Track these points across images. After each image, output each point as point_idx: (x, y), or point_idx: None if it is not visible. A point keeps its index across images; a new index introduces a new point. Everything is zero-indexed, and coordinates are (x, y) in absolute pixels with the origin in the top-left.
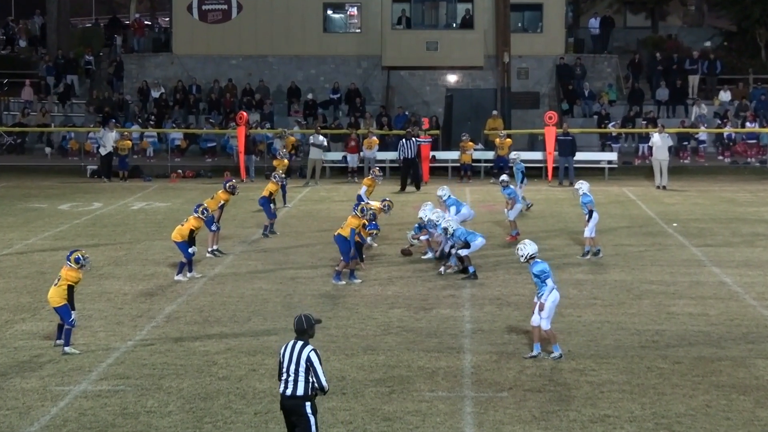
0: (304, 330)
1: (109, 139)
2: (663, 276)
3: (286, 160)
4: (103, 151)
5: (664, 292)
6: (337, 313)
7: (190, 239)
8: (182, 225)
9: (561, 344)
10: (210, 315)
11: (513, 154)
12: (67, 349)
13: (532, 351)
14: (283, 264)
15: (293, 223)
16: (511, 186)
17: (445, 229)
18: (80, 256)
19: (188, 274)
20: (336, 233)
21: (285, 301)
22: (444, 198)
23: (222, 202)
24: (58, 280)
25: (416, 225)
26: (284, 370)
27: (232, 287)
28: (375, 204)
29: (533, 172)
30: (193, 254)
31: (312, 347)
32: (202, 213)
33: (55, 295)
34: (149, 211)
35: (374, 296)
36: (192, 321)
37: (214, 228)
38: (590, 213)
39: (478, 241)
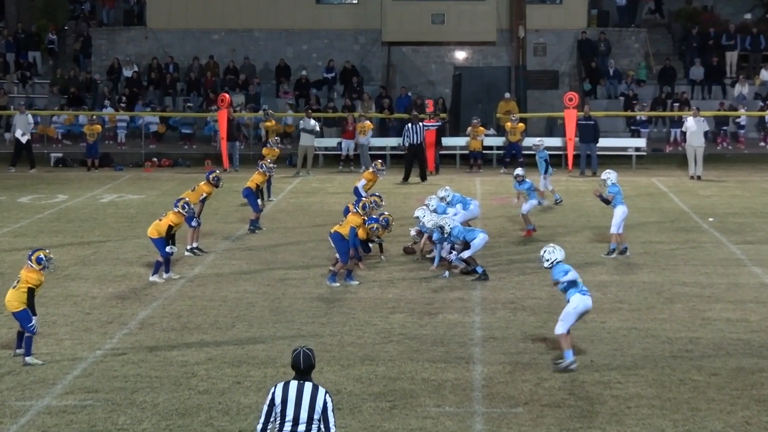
0: (311, 366)
1: (20, 122)
2: (697, 277)
3: (276, 149)
4: (18, 135)
5: (699, 295)
6: (331, 318)
7: (168, 236)
8: (160, 220)
9: (583, 354)
10: (189, 321)
11: (536, 140)
12: (28, 359)
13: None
14: (271, 263)
15: (282, 217)
16: (528, 180)
17: (441, 228)
18: (42, 256)
19: (165, 275)
20: (332, 230)
21: (273, 305)
22: (448, 198)
23: (204, 195)
24: (18, 282)
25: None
26: (289, 418)
27: (213, 290)
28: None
29: (552, 161)
30: (172, 253)
31: (325, 389)
32: (183, 208)
33: (14, 299)
34: (120, 205)
35: (373, 300)
36: (169, 328)
37: (194, 224)
38: (611, 203)
39: (479, 240)
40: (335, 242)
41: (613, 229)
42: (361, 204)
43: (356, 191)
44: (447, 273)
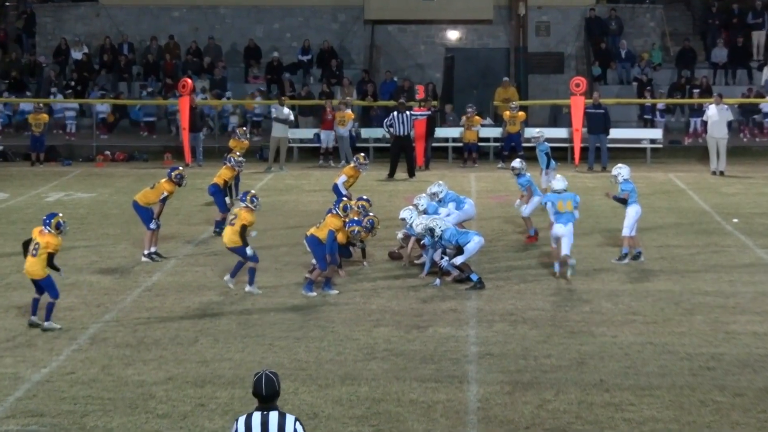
0: (276, 393)
1: None
2: (720, 285)
3: (245, 141)
4: None
5: (722, 305)
6: (307, 332)
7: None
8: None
9: (592, 371)
10: (146, 335)
11: (536, 131)
12: (47, 324)
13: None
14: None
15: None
16: (527, 174)
17: (431, 230)
18: (61, 221)
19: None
20: (308, 233)
21: (241, 318)
22: (440, 195)
23: (165, 194)
24: (36, 248)
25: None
26: None
27: (174, 300)
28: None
29: (557, 154)
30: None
31: (294, 416)
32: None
33: (37, 266)
34: (69, 204)
35: (355, 311)
36: (123, 343)
37: (153, 226)
38: (625, 202)
39: (473, 244)
40: (311, 246)
41: (625, 232)
42: (341, 205)
43: (336, 189)
44: (438, 281)
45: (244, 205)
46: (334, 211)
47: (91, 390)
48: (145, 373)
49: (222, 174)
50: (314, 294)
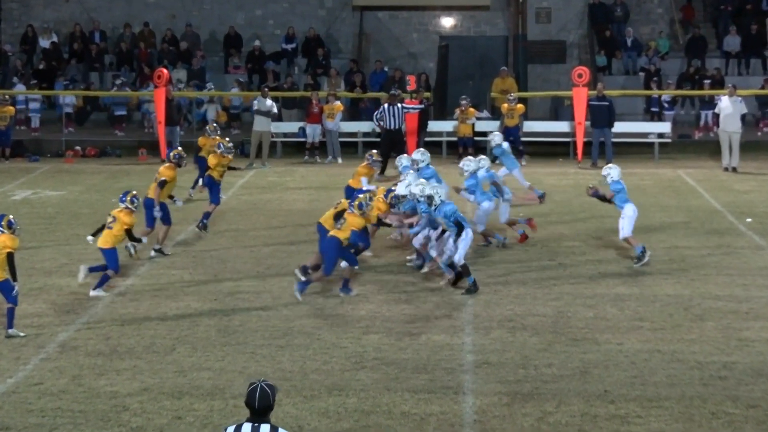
0: (270, 407)
1: None
2: (733, 289)
3: (216, 138)
4: None
5: (735, 311)
6: (292, 340)
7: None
8: (110, 228)
9: (596, 381)
10: (119, 343)
11: (495, 134)
12: (11, 331)
13: None
14: (219, 273)
15: (233, 218)
16: (479, 173)
17: (430, 197)
18: (12, 219)
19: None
20: (330, 234)
21: (221, 324)
22: (421, 164)
23: (163, 179)
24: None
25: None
26: None
27: (149, 305)
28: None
29: (558, 149)
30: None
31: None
32: (132, 202)
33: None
34: (36, 203)
35: (342, 317)
36: (95, 352)
37: (156, 214)
38: (605, 199)
39: (466, 235)
40: (326, 249)
41: (626, 233)
42: (356, 203)
43: (350, 190)
44: (444, 282)
45: (123, 206)
46: (350, 211)
47: (61, 402)
48: (118, 383)
49: (213, 162)
50: (355, 292)
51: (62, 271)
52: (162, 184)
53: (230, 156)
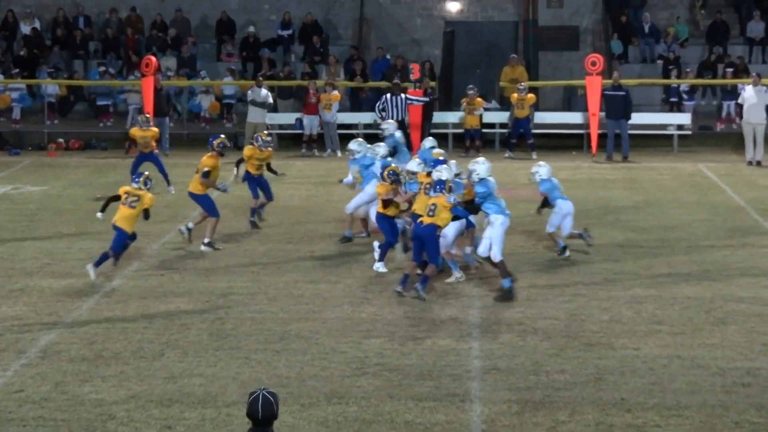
0: (273, 416)
1: None
2: (757, 291)
3: (147, 129)
4: None
5: (759, 314)
6: (288, 344)
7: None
8: (132, 207)
9: (611, 389)
10: (105, 348)
11: (452, 162)
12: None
13: None
14: (211, 274)
15: (225, 215)
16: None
17: (471, 171)
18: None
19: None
20: (425, 222)
21: (213, 327)
22: (357, 155)
23: (206, 169)
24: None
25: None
26: None
27: (137, 308)
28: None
29: (570, 142)
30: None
31: None
32: (145, 184)
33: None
34: (17, 199)
35: (342, 320)
36: (79, 357)
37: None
38: (545, 201)
39: (501, 222)
40: (429, 239)
41: (550, 228)
42: (386, 171)
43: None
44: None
45: (146, 188)
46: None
47: (43, 410)
48: (104, 390)
49: (249, 157)
50: (425, 297)
51: (44, 272)
52: (206, 175)
53: (268, 150)
